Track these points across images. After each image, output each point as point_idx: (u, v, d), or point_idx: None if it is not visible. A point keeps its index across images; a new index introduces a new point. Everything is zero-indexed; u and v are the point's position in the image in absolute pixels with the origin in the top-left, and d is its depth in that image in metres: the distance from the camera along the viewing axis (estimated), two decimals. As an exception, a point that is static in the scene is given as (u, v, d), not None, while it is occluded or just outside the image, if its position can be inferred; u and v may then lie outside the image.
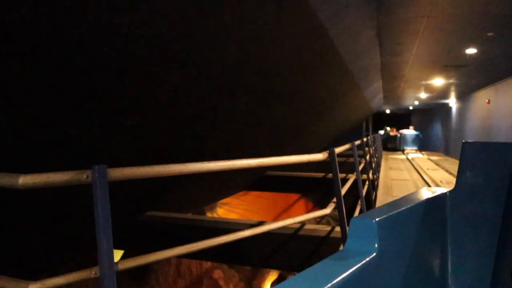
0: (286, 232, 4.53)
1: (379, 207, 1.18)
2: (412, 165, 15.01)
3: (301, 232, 4.48)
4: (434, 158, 19.48)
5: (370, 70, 10.20)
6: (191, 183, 6.35)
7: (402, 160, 18.06)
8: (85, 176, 1.50)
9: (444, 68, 11.00)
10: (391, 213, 1.11)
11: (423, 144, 28.00)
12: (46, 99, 2.66)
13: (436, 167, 14.71)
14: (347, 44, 6.27)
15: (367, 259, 0.94)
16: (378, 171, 10.56)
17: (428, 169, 13.69)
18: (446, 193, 1.43)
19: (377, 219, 1.02)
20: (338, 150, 3.15)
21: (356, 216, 1.07)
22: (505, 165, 1.35)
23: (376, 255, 0.98)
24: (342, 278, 0.83)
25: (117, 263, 1.55)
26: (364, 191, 5.19)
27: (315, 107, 9.29)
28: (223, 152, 6.27)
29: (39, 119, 2.78)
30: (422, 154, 22.49)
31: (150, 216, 5.60)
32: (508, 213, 1.30)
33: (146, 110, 3.70)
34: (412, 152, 24.30)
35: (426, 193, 1.40)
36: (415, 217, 1.24)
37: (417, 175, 11.76)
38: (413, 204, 1.24)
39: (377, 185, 8.89)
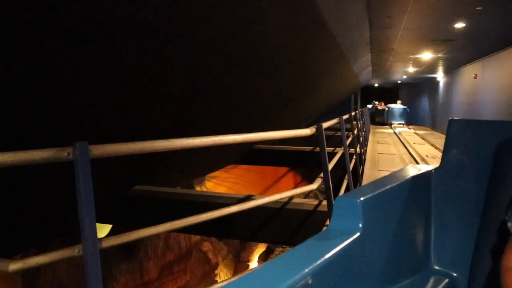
0: (273, 206, 4.56)
1: (364, 185, 1.17)
2: (399, 139, 15.13)
3: (288, 206, 4.51)
4: (421, 132, 19.66)
5: (359, 44, 10.12)
6: (180, 157, 6.32)
7: (389, 134, 18.18)
8: (66, 154, 1.47)
9: (432, 42, 10.97)
10: (375, 192, 1.10)
11: (410, 118, 28.19)
12: (25, 75, 2.59)
13: (423, 141, 14.85)
14: (336, 17, 6.19)
15: (351, 238, 0.94)
16: (366, 145, 10.62)
17: (414, 143, 13.82)
18: (431, 170, 1.43)
19: (361, 198, 1.01)
20: (326, 124, 3.15)
21: (340, 195, 1.07)
22: (490, 142, 1.34)
23: (360, 234, 0.98)
24: (326, 258, 0.82)
25: (100, 240, 1.54)
26: (351, 165, 5.22)
27: (304, 81, 9.24)
28: (212, 127, 6.23)
29: (18, 96, 2.71)
30: (409, 128, 22.67)
31: (138, 190, 5.58)
32: (491, 190, 1.31)
33: (132, 86, 3.63)
34: (399, 126, 24.47)
35: (411, 171, 1.40)
36: (400, 195, 1.24)
37: (404, 149, 11.86)
38: (398, 182, 1.24)
39: (365, 159, 8.95)
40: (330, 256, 0.83)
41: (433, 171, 1.43)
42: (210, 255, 12.81)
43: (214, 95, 5.40)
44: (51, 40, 2.46)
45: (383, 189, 1.15)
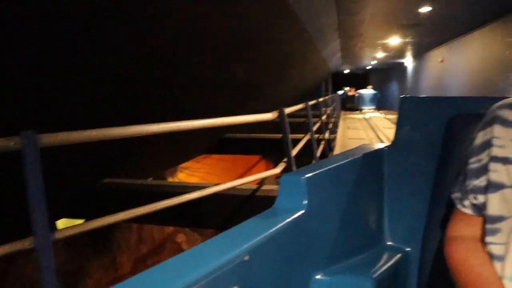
0: (243, 194, 4.56)
1: (313, 164, 1.18)
2: (369, 124, 15.38)
3: (258, 193, 4.53)
4: (391, 116, 20.02)
5: (327, 29, 10.16)
6: (149, 147, 6.23)
7: (359, 119, 18.45)
8: (12, 143, 1.42)
9: (399, 27, 11.12)
10: (322, 169, 1.10)
11: (380, 103, 28.63)
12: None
13: (392, 125, 15.12)
14: (303, 3, 6.18)
15: (295, 216, 0.94)
16: (336, 131, 10.75)
17: (384, 127, 14.07)
18: (383, 148, 1.45)
19: (306, 176, 1.01)
20: (290, 109, 3.15)
21: (286, 174, 1.06)
22: (440, 118, 1.36)
23: (305, 211, 0.97)
24: (266, 235, 0.82)
25: (53, 232, 1.50)
26: (319, 151, 5.27)
27: (274, 68, 9.23)
28: (178, 114, 6.15)
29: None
30: (380, 113, 23.05)
31: (109, 183, 5.48)
32: (441, 165, 1.33)
33: (95, 72, 3.53)
34: (370, 112, 24.84)
35: (363, 149, 1.41)
36: (350, 173, 1.25)
37: (374, 133, 12.07)
38: (348, 160, 1.24)
39: (335, 145, 9.06)
40: (270, 233, 0.83)
41: (385, 148, 1.44)
42: (185, 246, 12.78)
43: (180, 83, 5.33)
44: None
45: (332, 166, 1.15)
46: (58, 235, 1.53)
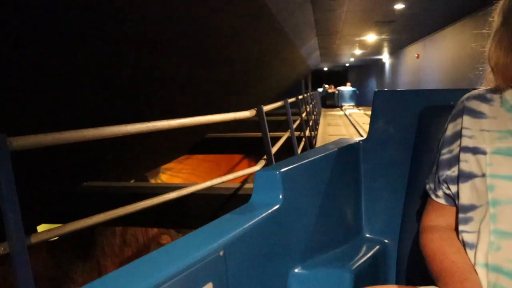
0: (226, 193, 4.56)
1: (288, 159, 1.18)
2: (349, 120, 15.52)
3: (241, 191, 4.53)
4: (370, 113, 20.23)
5: (304, 27, 10.21)
6: (129, 149, 6.17)
7: (340, 116, 18.60)
8: (-18, 147, 1.38)
9: (375, 24, 11.26)
10: (298, 164, 1.11)
11: (360, 100, 28.93)
12: None
13: (372, 121, 15.29)
14: (278, 1, 6.19)
15: (270, 210, 0.94)
16: (317, 129, 10.81)
17: (364, 123, 14.22)
18: (359, 142, 1.46)
19: (281, 170, 1.01)
20: (268, 107, 3.16)
21: (260, 169, 1.06)
22: (412, 111, 1.38)
23: (280, 206, 0.98)
24: (241, 230, 0.82)
25: (28, 236, 1.47)
26: (300, 149, 5.29)
27: (252, 68, 9.23)
28: (158, 115, 6.10)
29: None
30: (359, 110, 23.29)
31: (89, 187, 5.40)
32: (415, 157, 1.35)
33: (71, 72, 3.47)
34: (349, 108, 25.07)
35: (339, 143, 1.42)
36: (326, 167, 1.26)
37: (354, 129, 12.20)
38: (324, 153, 1.25)
39: (315, 142, 9.12)
40: (246, 228, 0.83)
41: (360, 142, 1.45)
42: (169, 248, 12.66)
43: (159, 84, 5.29)
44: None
45: (307, 160, 1.16)
46: (34, 239, 1.50)
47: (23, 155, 1.56)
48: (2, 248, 1.42)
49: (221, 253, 0.74)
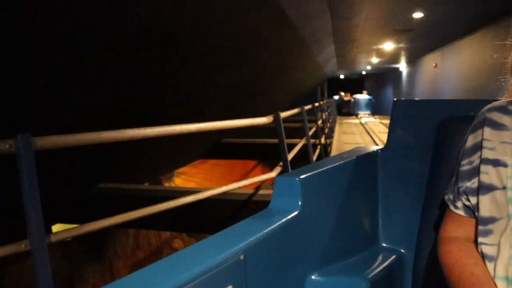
0: (240, 198, 4.57)
1: (307, 165, 1.19)
2: (365, 129, 15.43)
3: (255, 198, 4.54)
4: (386, 121, 20.07)
5: (322, 35, 10.21)
6: (145, 152, 6.23)
7: (355, 124, 18.50)
8: (7, 146, 1.42)
9: (393, 33, 11.21)
10: (317, 171, 1.11)
11: (376, 108, 28.74)
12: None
13: (387, 130, 15.18)
14: (297, 8, 6.22)
15: (289, 216, 0.95)
16: (332, 136, 10.77)
17: (379, 132, 14.12)
18: (377, 151, 1.46)
19: (301, 177, 1.02)
20: (285, 114, 3.17)
21: (280, 175, 1.07)
22: (432, 121, 1.38)
23: (299, 212, 0.98)
24: (261, 235, 0.83)
25: (48, 235, 1.50)
26: (316, 156, 5.28)
27: (268, 74, 9.26)
28: (176, 119, 6.15)
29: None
30: (375, 118, 23.12)
31: (105, 188, 5.46)
32: (434, 167, 1.34)
33: (92, 76, 3.53)
34: (365, 116, 24.91)
35: (357, 152, 1.42)
36: (344, 175, 1.26)
37: (369, 138, 12.11)
38: (342, 161, 1.25)
39: (331, 150, 9.08)
40: (265, 233, 0.84)
41: (379, 151, 1.45)
42: (181, 252, 12.68)
43: (176, 88, 5.34)
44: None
45: (325, 168, 1.16)
46: (53, 238, 1.53)
47: (41, 154, 1.59)
48: (23, 246, 1.45)
49: (241, 257, 0.75)
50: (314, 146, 5.59)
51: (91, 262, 10.36)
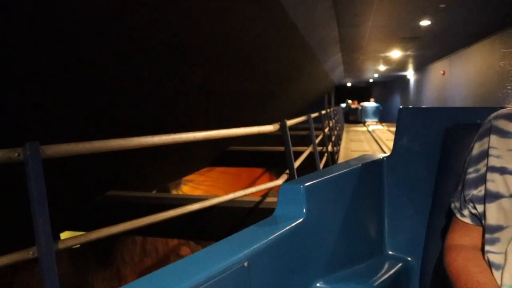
0: (247, 206, 4.57)
1: (313, 173, 1.19)
2: (372, 136, 15.38)
3: (262, 205, 4.53)
4: (393, 129, 19.87)
5: (328, 43, 10.24)
6: (152, 160, 6.26)
7: (363, 132, 18.45)
8: (16, 154, 1.44)
9: (400, 40, 11.20)
10: (322, 179, 1.12)
11: (383, 116, 28.63)
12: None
13: (395, 137, 15.10)
14: (303, 16, 6.25)
15: (294, 223, 0.95)
16: (339, 144, 10.75)
17: (387, 139, 14.06)
18: (383, 158, 1.46)
19: (305, 184, 1.02)
20: (292, 122, 3.17)
21: (285, 183, 1.08)
22: (438, 129, 1.38)
23: (304, 219, 0.99)
24: (265, 242, 0.83)
25: (56, 242, 1.51)
26: (322, 164, 5.27)
27: (275, 81, 9.28)
28: (183, 127, 6.18)
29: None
30: (382, 126, 23.04)
31: (112, 196, 5.48)
32: (440, 175, 1.34)
33: (100, 83, 3.56)
34: (372, 124, 24.83)
35: (363, 159, 1.42)
36: (350, 182, 1.26)
37: (377, 146, 12.07)
38: (348, 169, 1.26)
39: (338, 158, 9.06)
40: (270, 240, 0.84)
41: (384, 159, 1.45)
42: (188, 259, 12.65)
43: (182, 96, 5.37)
44: None
45: (331, 175, 1.16)
46: (61, 245, 1.54)
47: (49, 162, 1.61)
48: (31, 253, 1.46)
49: (245, 264, 0.75)
50: (321, 154, 5.58)
51: (99, 269, 10.38)
